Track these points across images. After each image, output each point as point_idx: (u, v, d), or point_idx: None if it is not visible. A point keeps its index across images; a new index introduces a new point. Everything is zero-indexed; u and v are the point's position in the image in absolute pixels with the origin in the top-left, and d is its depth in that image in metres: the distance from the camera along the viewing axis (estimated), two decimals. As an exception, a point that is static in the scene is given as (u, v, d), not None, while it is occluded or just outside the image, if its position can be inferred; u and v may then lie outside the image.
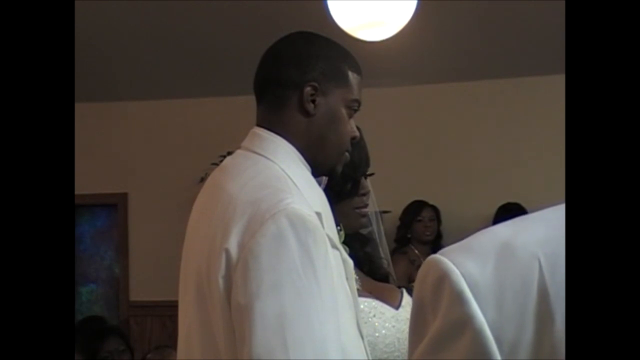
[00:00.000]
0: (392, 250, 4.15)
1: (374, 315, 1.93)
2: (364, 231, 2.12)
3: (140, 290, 5.88)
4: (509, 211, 4.94)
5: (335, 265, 1.52)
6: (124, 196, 5.96)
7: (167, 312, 4.81)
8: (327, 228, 1.54)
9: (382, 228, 2.31)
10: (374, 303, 1.95)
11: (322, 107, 1.64)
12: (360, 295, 1.81)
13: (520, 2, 4.75)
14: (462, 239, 0.85)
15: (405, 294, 2.05)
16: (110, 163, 5.90)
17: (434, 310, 0.81)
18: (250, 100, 1.71)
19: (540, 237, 0.81)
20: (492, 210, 5.29)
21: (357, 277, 1.87)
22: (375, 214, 2.22)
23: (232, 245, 1.45)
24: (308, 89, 1.63)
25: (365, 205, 2.01)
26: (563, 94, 0.87)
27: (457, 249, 0.83)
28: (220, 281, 1.46)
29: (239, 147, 1.67)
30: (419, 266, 0.89)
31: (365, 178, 2.02)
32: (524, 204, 5.08)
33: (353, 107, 1.69)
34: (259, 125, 1.66)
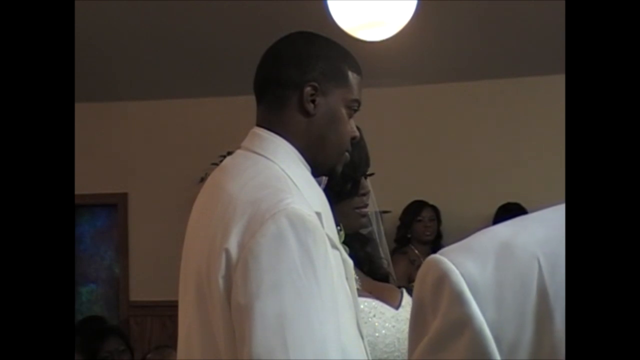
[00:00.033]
0: (392, 250, 4.15)
1: (374, 315, 1.93)
2: (364, 231, 2.12)
3: (140, 290, 5.88)
4: (509, 211, 4.94)
5: (335, 265, 1.52)
6: (124, 196, 5.96)
7: (167, 312, 4.81)
8: (327, 228, 1.54)
9: (382, 228, 2.31)
10: (374, 303, 1.95)
11: (322, 107, 1.64)
12: (360, 295, 1.81)
13: (520, 2, 4.75)
14: (462, 239, 0.85)
15: (405, 294, 2.05)
16: (110, 163, 5.90)
17: (433, 310, 0.81)
18: (250, 100, 1.71)
19: (539, 237, 0.81)
20: (492, 210, 5.29)
21: (357, 277, 1.87)
22: (375, 214, 2.22)
23: (232, 245, 1.45)
24: (308, 89, 1.63)
25: (365, 205, 2.01)
26: (563, 94, 0.87)
27: (456, 249, 0.84)
28: (220, 281, 1.46)
29: (239, 147, 1.67)
30: (419, 266, 0.89)
31: (365, 178, 2.02)
32: (524, 204, 5.08)
33: (353, 107, 1.69)
34: (259, 125, 1.66)
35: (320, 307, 1.42)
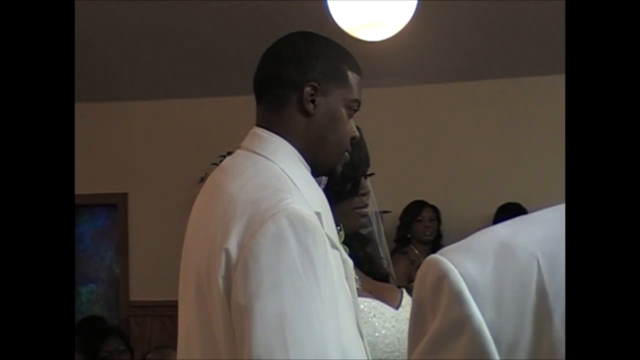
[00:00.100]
0: (392, 250, 4.15)
1: (374, 315, 1.93)
2: (364, 231, 2.12)
3: (140, 290, 5.88)
4: (509, 211, 4.94)
5: (335, 265, 1.52)
6: (124, 196, 5.96)
7: (167, 312, 4.81)
8: (327, 228, 1.54)
9: (382, 228, 2.31)
10: (374, 303, 1.95)
11: (321, 107, 1.64)
12: (360, 295, 1.81)
13: (520, 2, 4.75)
14: (462, 239, 0.85)
15: (405, 294, 2.05)
16: (110, 163, 5.90)
17: (433, 310, 0.81)
18: (250, 100, 1.71)
19: (539, 237, 0.82)
20: (492, 210, 5.29)
21: (357, 277, 1.87)
22: (375, 214, 2.22)
23: (232, 245, 1.45)
24: (308, 89, 1.63)
25: (365, 205, 2.01)
26: (563, 94, 0.87)
27: (456, 249, 0.84)
28: (220, 281, 1.46)
29: (239, 147, 1.67)
30: (418, 266, 0.89)
31: (365, 178, 2.02)
32: (524, 204, 5.08)
33: (353, 107, 1.69)
34: (259, 125, 1.66)
35: (320, 307, 1.42)
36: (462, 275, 0.79)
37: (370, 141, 1.99)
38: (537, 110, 5.40)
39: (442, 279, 0.80)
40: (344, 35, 3.16)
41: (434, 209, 5.46)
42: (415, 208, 5.43)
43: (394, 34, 3.42)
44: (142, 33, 5.14)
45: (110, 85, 5.72)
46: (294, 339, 1.39)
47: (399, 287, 2.13)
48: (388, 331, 1.93)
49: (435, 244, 5.27)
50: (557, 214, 0.83)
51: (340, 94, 1.66)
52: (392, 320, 1.94)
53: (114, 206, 6.01)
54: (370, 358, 1.64)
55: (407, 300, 2.02)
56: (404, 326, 1.91)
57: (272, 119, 1.65)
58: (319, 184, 1.67)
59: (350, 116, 1.69)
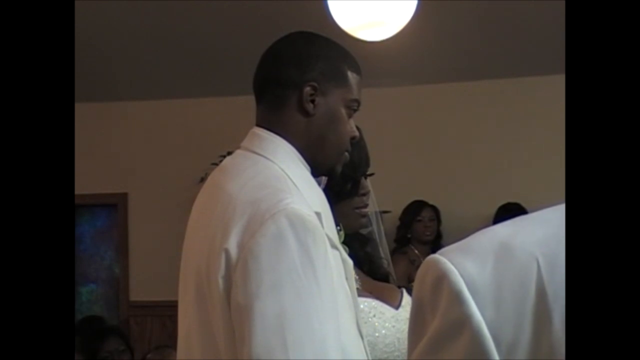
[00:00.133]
0: (392, 250, 4.15)
1: (374, 315, 1.93)
2: (364, 231, 2.12)
3: (140, 290, 5.88)
4: (509, 211, 4.94)
5: (335, 265, 1.52)
6: (124, 196, 5.96)
7: (167, 312, 4.81)
8: (327, 228, 1.54)
9: (382, 228, 2.31)
10: (374, 303, 1.95)
11: (321, 107, 1.64)
12: (360, 295, 1.81)
13: (520, 2, 4.75)
14: (462, 239, 0.85)
15: (405, 294, 2.05)
16: (110, 163, 5.90)
17: (432, 310, 0.81)
18: (250, 100, 1.71)
19: (539, 237, 0.82)
20: (492, 210, 5.29)
21: (357, 277, 1.87)
22: (375, 214, 2.22)
23: (232, 245, 1.45)
24: (307, 89, 1.63)
25: (365, 205, 2.01)
26: (563, 94, 0.87)
27: (456, 249, 0.84)
28: (220, 281, 1.46)
29: (238, 147, 1.67)
30: (418, 266, 0.89)
31: (365, 178, 2.02)
32: (524, 204, 5.08)
33: (353, 107, 1.69)
34: (259, 125, 1.66)
35: (320, 307, 1.42)
36: (461, 275, 0.80)
37: (370, 141, 1.99)
38: (537, 110, 5.40)
39: (441, 279, 0.80)
40: (344, 35, 3.16)
41: (434, 209, 5.46)
42: (415, 208, 5.43)
43: (394, 34, 3.42)
44: (142, 33, 5.14)
45: (110, 85, 5.72)
46: (294, 339, 1.39)
47: (399, 287, 2.13)
48: (388, 331, 1.93)
49: (435, 244, 5.27)
50: (557, 214, 0.83)
51: (340, 94, 1.66)
52: (392, 320, 1.94)
53: (114, 206, 6.01)
54: (370, 358, 1.64)
55: (407, 300, 2.02)
56: (404, 326, 1.91)
57: (271, 119, 1.65)
58: (319, 184, 1.67)
59: (350, 116, 1.69)
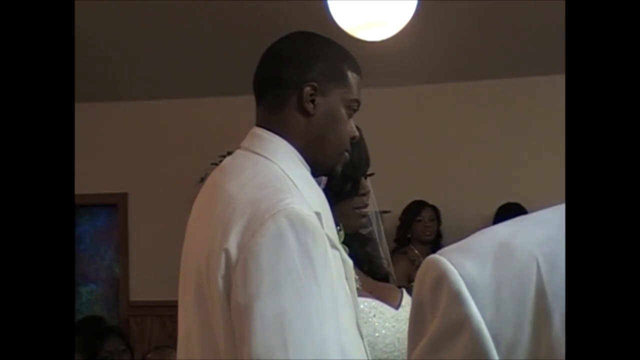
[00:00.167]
0: (392, 250, 4.15)
1: (374, 315, 1.93)
2: (364, 231, 2.12)
3: (140, 290, 5.88)
4: (509, 211, 4.94)
5: (335, 265, 1.52)
6: (124, 196, 5.96)
7: (167, 312, 4.81)
8: (327, 228, 1.54)
9: (382, 228, 2.31)
10: (374, 303, 1.95)
11: (321, 107, 1.64)
12: (360, 295, 1.81)
13: (520, 2, 4.75)
14: (462, 239, 0.85)
15: (405, 294, 2.05)
16: (110, 163, 5.90)
17: (432, 310, 0.81)
18: (250, 100, 1.71)
19: (538, 237, 0.82)
20: (492, 210, 5.29)
21: (357, 277, 1.87)
22: (375, 214, 2.22)
23: (232, 245, 1.45)
24: (307, 89, 1.63)
25: (365, 205, 2.01)
26: (563, 94, 0.87)
27: (455, 249, 0.84)
28: (220, 281, 1.46)
29: (238, 147, 1.67)
30: (418, 266, 0.89)
31: (365, 178, 2.02)
32: (524, 204, 5.08)
33: (352, 107, 1.69)
34: (259, 125, 1.66)
35: (320, 307, 1.42)
36: (461, 275, 0.80)
37: (370, 141, 1.99)
38: (537, 110, 5.41)
39: (441, 279, 0.80)
40: (344, 35, 3.16)
41: (434, 209, 5.46)
42: (415, 208, 5.43)
43: (394, 34, 3.42)
44: (142, 33, 5.14)
45: (110, 85, 5.72)
46: (294, 339, 1.39)
47: (399, 287, 2.13)
48: (388, 331, 1.93)
49: (435, 244, 5.27)
50: (557, 214, 0.83)
51: (340, 94, 1.66)
52: (392, 320, 1.94)
53: (114, 206, 6.01)
54: (370, 358, 1.64)
55: (407, 300, 2.02)
56: (404, 326, 1.91)
57: (271, 119, 1.65)
58: (319, 184, 1.67)
59: (350, 116, 1.69)
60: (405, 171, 5.56)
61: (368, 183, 2.03)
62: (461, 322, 0.79)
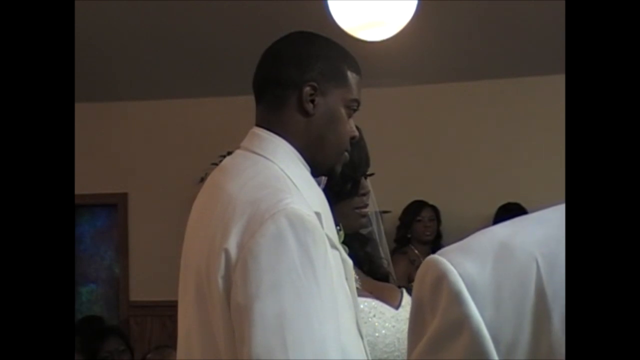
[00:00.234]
0: (392, 250, 4.15)
1: (374, 315, 1.93)
2: (364, 231, 2.12)
3: (140, 290, 5.88)
4: (509, 211, 4.94)
5: (335, 265, 1.52)
6: (124, 196, 5.96)
7: (167, 312, 4.81)
8: (327, 228, 1.54)
9: (382, 228, 2.31)
10: (374, 303, 1.95)
11: (321, 107, 1.64)
12: (360, 295, 1.81)
13: (520, 2, 4.75)
14: (462, 239, 0.85)
15: (405, 294, 2.05)
16: (110, 163, 5.90)
17: (432, 310, 0.81)
18: (250, 100, 1.71)
19: (538, 237, 0.82)
20: (492, 210, 5.29)
21: (357, 277, 1.87)
22: (375, 214, 2.22)
23: (232, 245, 1.45)
24: (307, 89, 1.63)
25: (365, 205, 2.01)
26: (563, 94, 0.87)
27: (455, 249, 0.84)
28: (220, 281, 1.46)
29: (238, 147, 1.67)
30: (418, 266, 0.89)
31: (365, 178, 2.02)
32: (524, 204, 5.08)
33: (352, 107, 1.69)
34: (258, 125, 1.66)
35: (320, 307, 1.42)
36: (461, 275, 0.80)
37: (370, 141, 1.99)
38: (537, 110, 5.40)
39: (441, 279, 0.80)
40: (344, 35, 3.16)
41: (434, 209, 5.46)
42: (415, 208, 5.43)
43: (394, 34, 3.42)
44: (142, 33, 5.14)
45: (110, 85, 5.72)
46: (294, 339, 1.39)
47: (399, 287, 2.13)
48: (388, 331, 1.93)
49: (435, 244, 5.27)
50: (557, 214, 0.83)
51: (340, 93, 1.66)
52: (392, 320, 1.94)
53: (114, 206, 6.01)
54: (370, 358, 1.64)
55: (407, 300, 2.02)
56: (404, 326, 1.91)
57: (271, 119, 1.65)
58: (319, 184, 1.67)
59: (349, 116, 1.69)
60: (405, 171, 5.56)
61: (368, 183, 2.03)
62: (461, 322, 0.79)
